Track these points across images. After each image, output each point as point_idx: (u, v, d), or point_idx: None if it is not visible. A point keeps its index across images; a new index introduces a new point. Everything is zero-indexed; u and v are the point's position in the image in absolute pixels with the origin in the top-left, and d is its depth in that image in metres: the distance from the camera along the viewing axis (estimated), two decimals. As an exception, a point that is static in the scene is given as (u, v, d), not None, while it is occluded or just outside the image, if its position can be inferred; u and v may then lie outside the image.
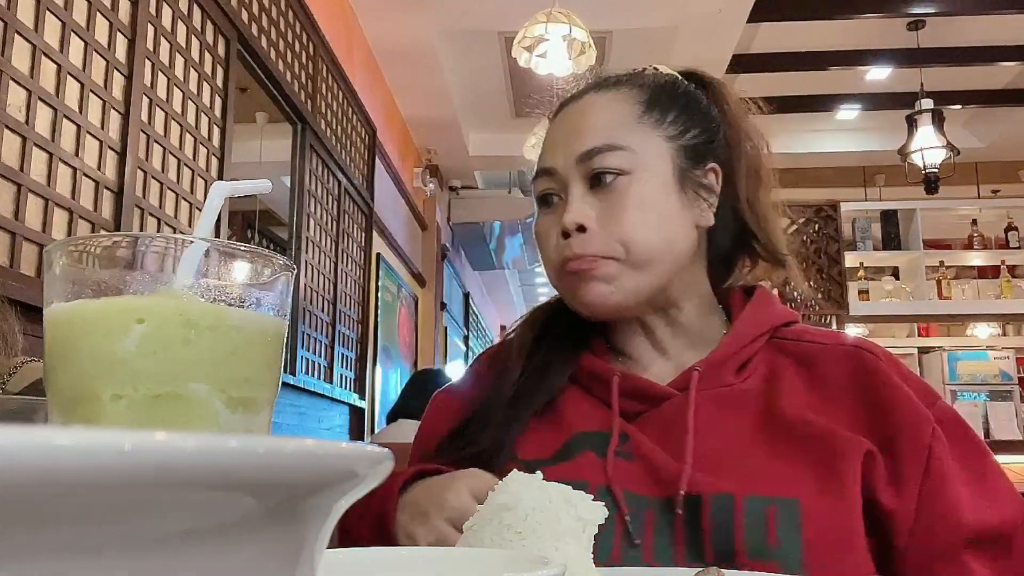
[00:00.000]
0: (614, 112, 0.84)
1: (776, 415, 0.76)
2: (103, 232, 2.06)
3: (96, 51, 2.10)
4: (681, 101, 0.85)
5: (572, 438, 0.80)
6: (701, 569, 0.55)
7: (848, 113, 6.32)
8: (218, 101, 2.80)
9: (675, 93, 0.86)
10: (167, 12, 2.45)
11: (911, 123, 5.30)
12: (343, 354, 4.29)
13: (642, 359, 0.86)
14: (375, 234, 4.90)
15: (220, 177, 2.75)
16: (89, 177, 2.07)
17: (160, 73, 2.40)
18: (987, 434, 5.53)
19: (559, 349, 0.87)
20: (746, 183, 0.85)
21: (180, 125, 2.52)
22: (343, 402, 4.24)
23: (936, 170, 5.21)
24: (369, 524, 0.74)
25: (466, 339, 8.62)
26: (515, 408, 0.83)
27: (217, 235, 2.07)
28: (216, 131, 2.77)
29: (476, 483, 0.70)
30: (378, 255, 4.96)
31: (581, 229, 0.80)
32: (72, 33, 2.00)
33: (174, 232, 2.38)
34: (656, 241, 0.80)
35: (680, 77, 0.90)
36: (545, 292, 10.14)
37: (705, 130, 0.85)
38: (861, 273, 6.93)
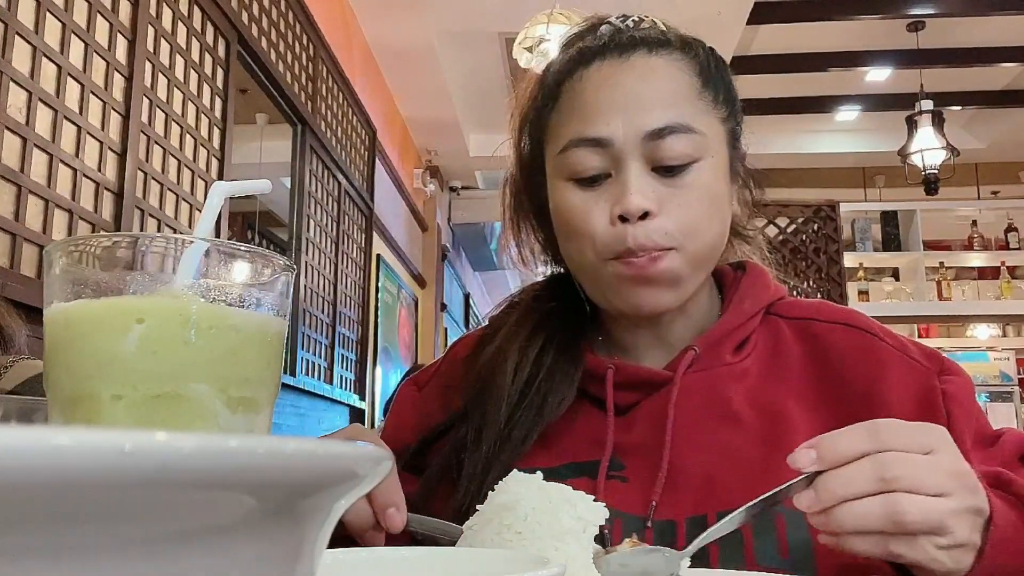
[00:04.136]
0: (676, 83, 0.74)
1: (780, 402, 0.72)
2: (103, 232, 2.06)
3: (96, 52, 2.10)
4: (726, 78, 0.78)
5: (563, 467, 0.73)
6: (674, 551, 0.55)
7: (848, 114, 6.33)
8: (218, 102, 2.80)
9: (721, 68, 0.78)
10: (167, 13, 2.45)
11: (911, 124, 5.30)
12: (343, 355, 4.29)
13: (639, 348, 0.80)
14: (375, 235, 4.90)
15: (220, 178, 2.75)
16: (89, 178, 2.07)
17: (160, 74, 2.40)
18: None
19: (559, 371, 0.77)
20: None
21: (180, 126, 2.52)
22: (343, 403, 4.23)
23: (936, 171, 5.22)
24: None
25: (466, 340, 8.58)
26: (502, 452, 0.73)
27: (217, 235, 2.07)
28: (216, 132, 2.77)
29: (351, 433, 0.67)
30: (378, 256, 4.96)
31: (645, 215, 0.70)
32: (72, 34, 2.00)
33: (174, 233, 2.38)
34: (719, 236, 0.75)
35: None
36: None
37: (735, 111, 0.79)
38: (861, 274, 6.94)
